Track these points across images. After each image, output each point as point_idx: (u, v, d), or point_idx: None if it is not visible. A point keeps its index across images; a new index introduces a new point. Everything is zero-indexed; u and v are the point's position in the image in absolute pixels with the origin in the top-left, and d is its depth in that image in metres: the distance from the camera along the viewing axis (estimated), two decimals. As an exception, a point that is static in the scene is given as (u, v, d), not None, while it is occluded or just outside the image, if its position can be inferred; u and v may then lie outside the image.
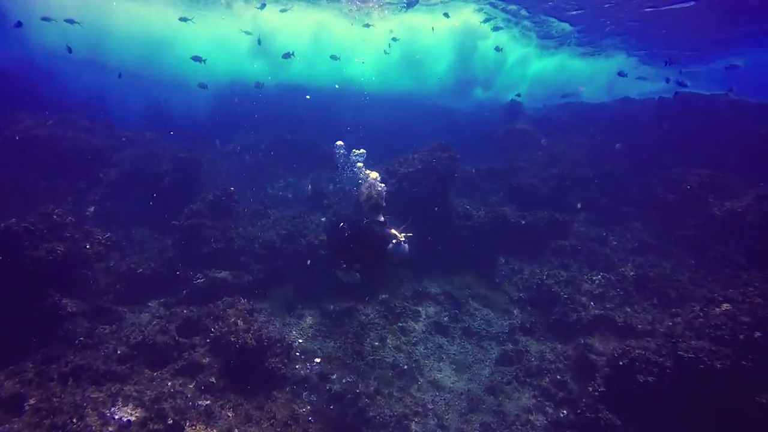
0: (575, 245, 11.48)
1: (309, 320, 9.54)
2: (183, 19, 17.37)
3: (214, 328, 6.70)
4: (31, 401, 5.07)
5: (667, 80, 16.37)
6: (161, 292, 9.04)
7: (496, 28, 18.12)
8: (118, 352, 6.32)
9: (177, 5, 22.88)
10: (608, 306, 8.81)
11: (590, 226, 12.84)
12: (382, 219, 6.29)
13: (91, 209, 10.92)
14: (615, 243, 11.92)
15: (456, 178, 11.88)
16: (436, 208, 10.99)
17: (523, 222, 11.31)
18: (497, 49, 18.74)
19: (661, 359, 6.67)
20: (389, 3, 20.57)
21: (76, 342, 6.54)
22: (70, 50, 14.39)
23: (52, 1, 21.51)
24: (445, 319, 9.88)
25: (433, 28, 18.85)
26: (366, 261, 6.29)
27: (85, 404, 5.17)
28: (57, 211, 7.62)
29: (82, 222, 8.93)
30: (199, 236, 9.53)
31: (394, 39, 21.39)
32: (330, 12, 23.15)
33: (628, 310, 8.71)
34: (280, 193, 15.74)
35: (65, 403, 4.97)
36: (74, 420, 4.76)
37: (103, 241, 7.85)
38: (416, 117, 22.37)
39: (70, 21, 14.93)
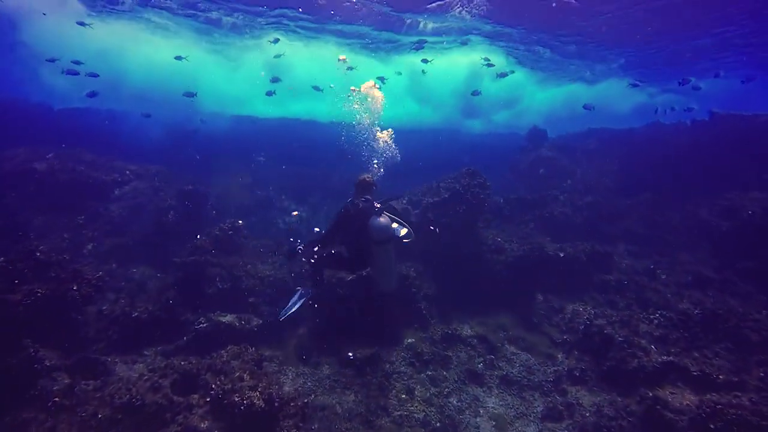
0: (621, 280, 10.27)
1: (326, 369, 8.35)
2: (178, 58, 17.28)
3: (215, 385, 5.59)
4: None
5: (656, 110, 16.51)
6: (159, 339, 7.98)
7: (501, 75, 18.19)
8: (99, 416, 5.23)
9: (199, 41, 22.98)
10: (673, 350, 7.54)
11: (633, 258, 11.64)
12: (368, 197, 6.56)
13: (89, 246, 10.04)
14: (664, 277, 10.67)
15: (486, 209, 10.88)
16: (465, 241, 9.97)
17: (562, 255, 10.17)
18: (502, 75, 18.33)
19: (765, 423, 5.38)
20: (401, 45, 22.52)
21: (49, 404, 5.46)
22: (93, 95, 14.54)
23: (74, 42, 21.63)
24: (479, 365, 8.64)
25: (423, 71, 19.84)
26: (353, 243, 6.35)
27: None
28: (41, 248, 6.72)
29: (79, 260, 8.07)
30: (203, 275, 8.54)
31: (398, 73, 23.54)
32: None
33: (697, 355, 7.43)
34: (293, 227, 14.88)
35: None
36: None
37: (93, 282, 6.88)
38: (432, 145, 21.75)
39: (76, 63, 14.88)
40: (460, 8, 16.72)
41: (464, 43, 21.62)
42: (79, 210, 11.07)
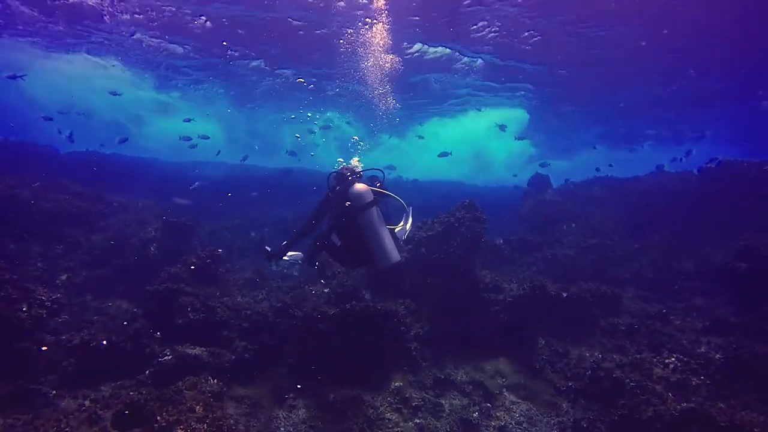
0: (631, 323, 9.42)
1: (302, 413, 7.46)
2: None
3: (160, 417, 4.85)
4: None
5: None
6: (122, 373, 7.23)
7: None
8: (20, 450, 4.48)
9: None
10: (693, 399, 6.63)
11: (644, 303, 10.82)
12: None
13: (63, 277, 9.53)
14: (678, 322, 9.80)
15: (483, 245, 10.28)
16: (459, 279, 9.32)
17: (565, 295, 9.42)
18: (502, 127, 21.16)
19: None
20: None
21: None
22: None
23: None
24: (474, 415, 7.70)
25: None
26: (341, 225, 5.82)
27: None
28: (-6, 265, 6.22)
29: (52, 291, 7.52)
30: (174, 304, 7.90)
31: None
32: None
33: (722, 405, 6.50)
34: (285, 270, 14.27)
35: None
36: None
37: (46, 303, 6.30)
38: (436, 196, 21.60)
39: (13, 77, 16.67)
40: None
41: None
42: (59, 239, 10.66)
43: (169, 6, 14.78)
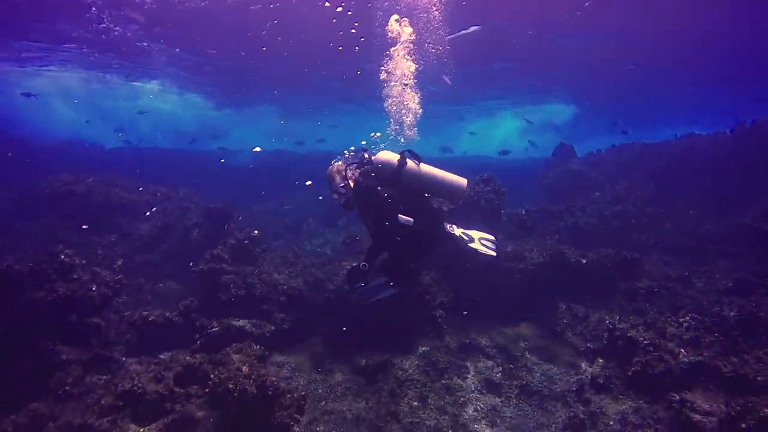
0: (651, 287, 9.66)
1: (338, 376, 8.24)
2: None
3: (213, 375, 5.64)
4: (-23, 456, 4.14)
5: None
6: (175, 343, 8.16)
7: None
8: (102, 402, 5.37)
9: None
10: (706, 354, 6.95)
11: (667, 267, 10.97)
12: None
13: (120, 262, 10.57)
14: (701, 285, 9.96)
15: (503, 216, 10.65)
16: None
17: (585, 261, 9.74)
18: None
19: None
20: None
21: (59, 392, 5.67)
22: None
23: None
24: (497, 375, 8.26)
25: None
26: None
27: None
28: (66, 252, 7.15)
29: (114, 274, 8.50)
30: (218, 282, 8.75)
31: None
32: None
33: (735, 360, 6.79)
34: (318, 249, 15.04)
35: (13, 459, 4.01)
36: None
37: (111, 283, 7.22)
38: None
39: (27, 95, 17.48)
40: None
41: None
42: (113, 228, 11.76)
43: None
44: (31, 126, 28.10)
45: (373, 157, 5.15)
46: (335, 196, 5.22)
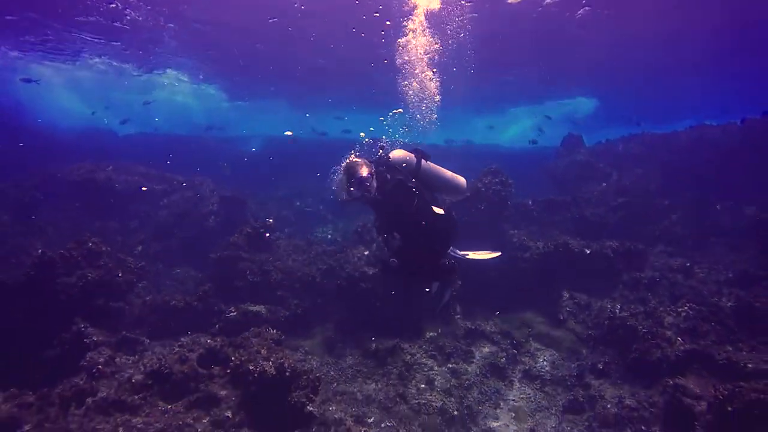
0: (653, 277, 9.93)
1: (349, 359, 8.66)
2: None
3: (234, 357, 6.07)
4: (27, 427, 4.59)
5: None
6: (195, 326, 8.60)
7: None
8: (133, 380, 5.81)
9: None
10: (702, 342, 7.25)
11: (670, 258, 11.20)
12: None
13: (139, 248, 11.04)
14: (703, 275, 10.19)
15: (510, 206, 10.92)
16: (487, 240, 10.03)
17: (588, 251, 10.00)
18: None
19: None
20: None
21: (93, 370, 6.13)
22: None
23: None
24: (502, 360, 8.63)
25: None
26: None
27: (83, 433, 4.62)
28: (93, 240, 7.57)
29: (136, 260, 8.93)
30: (235, 269, 9.18)
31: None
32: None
33: (730, 348, 7.09)
34: (329, 236, 15.42)
35: (59, 429, 4.44)
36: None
37: (135, 269, 7.65)
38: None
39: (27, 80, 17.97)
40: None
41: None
42: (132, 215, 12.22)
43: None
44: (36, 115, 28.42)
45: (390, 155, 5.13)
46: (353, 189, 4.81)
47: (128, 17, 14.29)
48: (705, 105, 29.22)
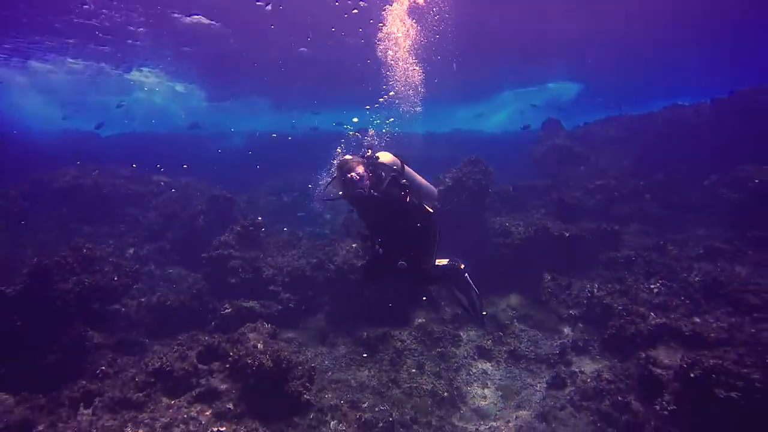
0: (629, 256, 10.42)
1: (342, 349, 9.02)
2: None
3: (232, 352, 6.37)
4: (40, 427, 4.86)
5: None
6: (191, 325, 8.88)
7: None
8: (136, 379, 6.09)
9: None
10: (672, 316, 7.74)
11: (645, 237, 11.72)
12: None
13: (131, 251, 11.21)
14: (676, 252, 10.71)
15: (491, 194, 11.29)
16: (470, 226, 10.44)
17: (567, 234, 10.45)
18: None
19: (745, 371, 5.60)
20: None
21: (97, 372, 6.39)
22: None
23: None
24: (488, 342, 9.07)
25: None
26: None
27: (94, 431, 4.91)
28: (87, 245, 7.76)
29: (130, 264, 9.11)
30: (227, 267, 9.43)
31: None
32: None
33: (698, 320, 7.59)
34: (317, 229, 15.68)
35: (71, 428, 4.72)
36: (77, 446, 4.49)
37: (130, 273, 7.87)
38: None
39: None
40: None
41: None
42: (120, 219, 12.34)
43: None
44: (11, 123, 27.71)
45: (379, 156, 5.14)
46: (348, 186, 4.84)
47: (102, 16, 14.21)
48: (687, 83, 29.63)
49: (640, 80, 27.05)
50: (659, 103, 23.71)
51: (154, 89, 25.31)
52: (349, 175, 4.77)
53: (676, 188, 13.13)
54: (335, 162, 5.11)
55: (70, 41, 16.75)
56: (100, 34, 16.00)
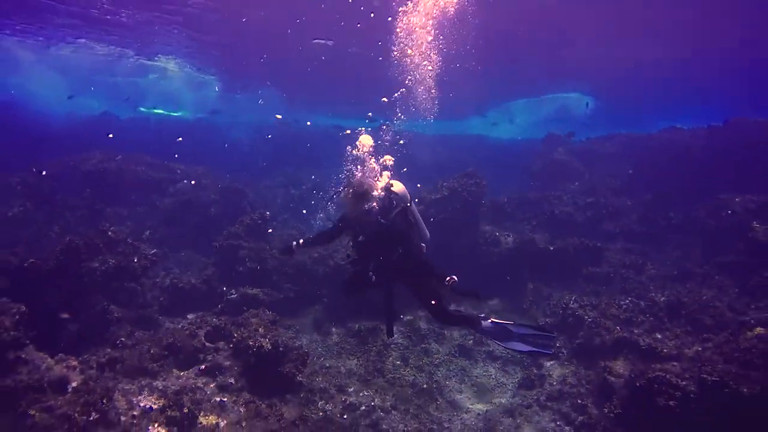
0: (608, 272, 11.18)
1: (334, 338, 9.88)
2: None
3: (236, 334, 7.23)
4: (73, 384, 5.75)
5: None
6: (200, 306, 9.77)
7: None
8: (152, 351, 6.98)
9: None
10: (635, 331, 8.51)
11: (627, 254, 12.45)
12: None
13: (147, 233, 12.09)
14: (653, 271, 11.45)
15: (484, 205, 12.05)
16: (462, 235, 11.20)
17: (552, 248, 11.21)
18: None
19: (683, 383, 6.39)
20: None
21: (117, 342, 7.29)
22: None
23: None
24: (470, 342, 9.88)
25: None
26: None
27: (116, 391, 5.79)
28: (112, 229, 8.64)
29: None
30: (235, 256, 10.30)
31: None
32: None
33: (659, 336, 8.36)
34: (320, 222, 16.48)
35: (99, 387, 5.60)
36: (104, 402, 5.35)
37: (149, 257, 8.75)
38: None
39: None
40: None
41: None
42: (140, 203, 13.25)
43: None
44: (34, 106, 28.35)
45: (393, 185, 5.15)
46: (361, 209, 4.83)
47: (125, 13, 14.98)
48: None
49: (651, 101, 27.16)
50: (663, 124, 24.05)
51: (173, 75, 25.89)
52: (367, 206, 4.76)
53: (664, 209, 13.79)
54: (352, 181, 4.92)
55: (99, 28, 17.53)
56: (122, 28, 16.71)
